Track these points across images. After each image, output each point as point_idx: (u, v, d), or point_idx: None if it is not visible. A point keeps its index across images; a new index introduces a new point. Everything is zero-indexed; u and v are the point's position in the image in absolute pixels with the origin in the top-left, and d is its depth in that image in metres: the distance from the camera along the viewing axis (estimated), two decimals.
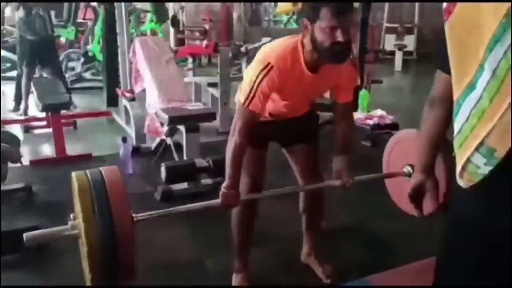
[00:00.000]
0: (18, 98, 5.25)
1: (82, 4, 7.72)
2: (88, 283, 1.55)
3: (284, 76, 1.68)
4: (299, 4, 5.59)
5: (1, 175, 2.13)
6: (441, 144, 1.35)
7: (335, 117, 1.94)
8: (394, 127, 3.80)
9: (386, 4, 9.97)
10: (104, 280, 1.50)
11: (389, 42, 9.66)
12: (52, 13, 6.16)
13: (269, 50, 1.73)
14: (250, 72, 1.74)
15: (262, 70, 1.66)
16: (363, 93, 4.52)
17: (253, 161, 1.91)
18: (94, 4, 7.39)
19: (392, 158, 2.26)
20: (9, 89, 6.17)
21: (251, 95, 1.68)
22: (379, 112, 4.20)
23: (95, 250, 1.45)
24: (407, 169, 2.12)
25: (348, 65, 1.78)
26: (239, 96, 1.78)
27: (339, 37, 1.57)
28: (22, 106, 5.07)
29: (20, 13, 4.78)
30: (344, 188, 1.91)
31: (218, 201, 1.78)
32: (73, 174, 1.59)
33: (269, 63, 1.66)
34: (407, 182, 2.13)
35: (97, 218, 1.46)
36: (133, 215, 1.59)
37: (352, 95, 1.93)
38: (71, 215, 1.63)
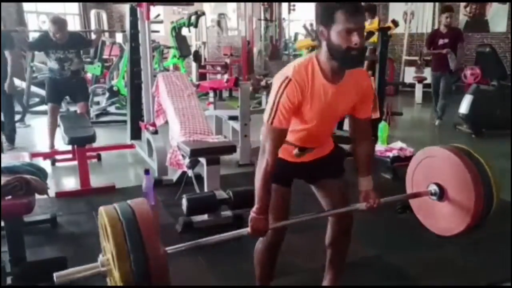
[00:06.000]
0: None
1: (108, 42, 8.06)
2: None
3: (304, 88, 1.69)
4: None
5: (29, 207, 2.19)
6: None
7: (357, 136, 1.93)
8: None
9: (405, 38, 10.06)
10: None
11: (409, 74, 9.69)
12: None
13: (285, 68, 1.75)
14: (271, 94, 1.75)
15: (281, 85, 1.68)
16: (382, 125, 4.52)
17: (277, 198, 1.87)
18: (120, 41, 7.69)
19: (416, 178, 2.18)
20: (37, 123, 6.39)
21: (274, 110, 1.68)
22: (399, 144, 4.18)
23: (130, 285, 1.40)
24: (433, 188, 2.03)
25: (365, 77, 1.83)
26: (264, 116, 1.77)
27: (355, 40, 1.60)
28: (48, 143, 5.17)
29: (53, 64, 4.69)
30: (372, 210, 1.89)
31: (247, 229, 1.75)
32: (102, 208, 1.53)
33: (287, 77, 1.68)
34: (434, 202, 2.06)
35: (129, 254, 1.41)
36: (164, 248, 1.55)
37: (371, 110, 1.92)
38: (101, 255, 1.60)
